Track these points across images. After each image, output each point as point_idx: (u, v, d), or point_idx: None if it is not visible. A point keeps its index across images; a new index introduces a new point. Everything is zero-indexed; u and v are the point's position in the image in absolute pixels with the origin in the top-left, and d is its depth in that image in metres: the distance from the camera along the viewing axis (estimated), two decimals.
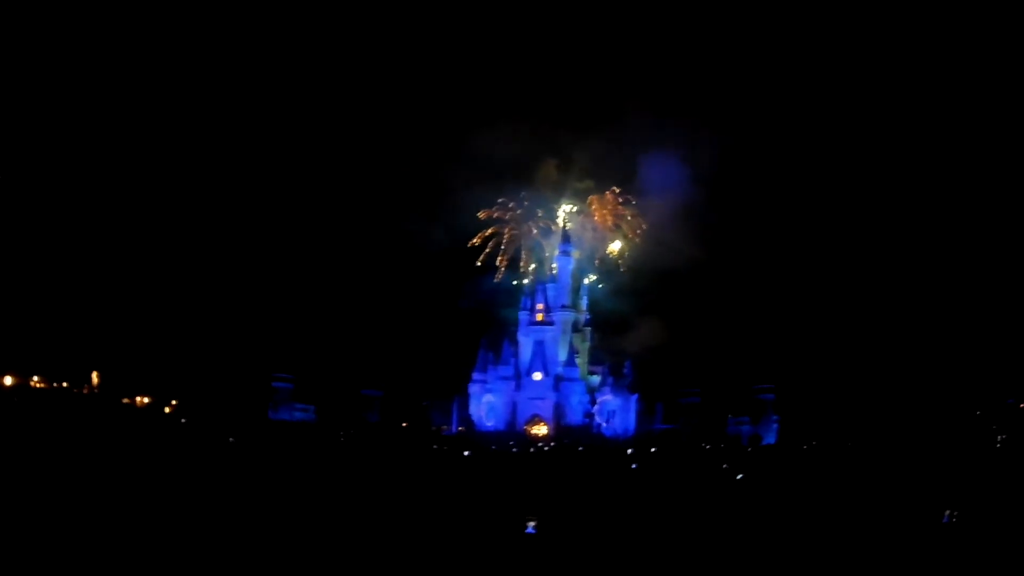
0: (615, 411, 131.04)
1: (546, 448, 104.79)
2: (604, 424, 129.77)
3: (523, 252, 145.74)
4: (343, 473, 54.81)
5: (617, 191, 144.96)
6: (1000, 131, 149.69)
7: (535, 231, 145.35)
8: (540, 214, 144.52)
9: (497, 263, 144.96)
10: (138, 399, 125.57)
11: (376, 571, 23.93)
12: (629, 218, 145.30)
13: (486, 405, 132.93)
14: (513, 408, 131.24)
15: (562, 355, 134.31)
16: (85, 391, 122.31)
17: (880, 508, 36.11)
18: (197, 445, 79.49)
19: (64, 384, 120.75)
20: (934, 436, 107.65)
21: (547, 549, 26.78)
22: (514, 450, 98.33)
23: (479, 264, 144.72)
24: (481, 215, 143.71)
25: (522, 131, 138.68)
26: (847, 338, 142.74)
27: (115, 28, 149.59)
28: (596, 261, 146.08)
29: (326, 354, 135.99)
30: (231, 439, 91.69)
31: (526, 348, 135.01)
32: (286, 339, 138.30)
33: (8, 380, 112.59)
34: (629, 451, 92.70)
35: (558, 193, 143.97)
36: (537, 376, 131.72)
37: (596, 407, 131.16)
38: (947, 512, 31.16)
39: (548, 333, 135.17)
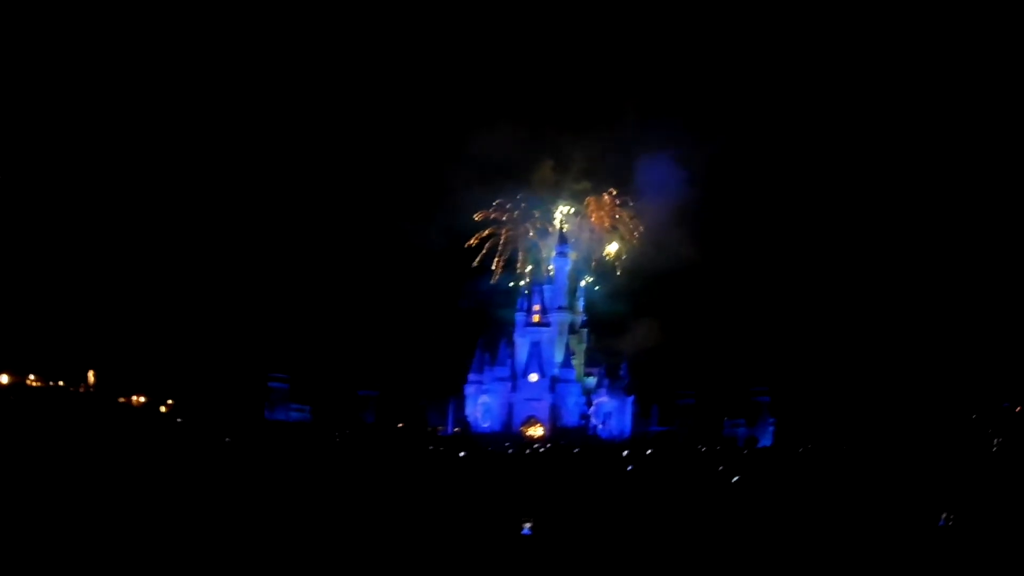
0: (611, 413, 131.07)
1: (542, 449, 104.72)
2: (600, 426, 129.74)
3: (520, 253, 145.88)
4: (339, 473, 54.77)
5: (614, 193, 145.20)
6: (993, 137, 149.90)
7: (532, 232, 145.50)
8: (537, 215, 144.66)
9: (494, 265, 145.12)
10: (134, 398, 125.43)
11: (372, 572, 23.93)
12: (626, 220, 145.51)
13: (482, 406, 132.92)
14: (509, 409, 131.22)
15: (558, 357, 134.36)
16: (81, 390, 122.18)
17: (876, 511, 36.15)
18: (193, 445, 79.35)
19: (60, 383, 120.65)
20: (930, 439, 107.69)
21: (543, 550, 26.78)
22: (510, 451, 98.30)
23: (475, 265, 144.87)
24: (478, 216, 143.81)
25: (519, 132, 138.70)
26: (843, 341, 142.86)
27: (115, 28, 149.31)
28: (593, 263, 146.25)
29: (322, 354, 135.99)
30: (227, 439, 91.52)
31: (522, 349, 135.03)
32: (282, 339, 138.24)
33: (4, 379, 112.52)
34: (625, 453, 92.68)
35: (555, 194, 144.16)
36: (533, 377, 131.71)
37: (592, 409, 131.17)
38: (943, 515, 31.21)
39: (544, 334, 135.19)
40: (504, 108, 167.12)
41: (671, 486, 51.41)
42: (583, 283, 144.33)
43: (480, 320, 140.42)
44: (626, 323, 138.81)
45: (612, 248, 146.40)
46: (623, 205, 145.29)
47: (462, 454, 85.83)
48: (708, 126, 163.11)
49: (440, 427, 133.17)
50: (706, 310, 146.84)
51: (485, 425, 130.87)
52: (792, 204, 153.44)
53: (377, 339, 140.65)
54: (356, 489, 43.81)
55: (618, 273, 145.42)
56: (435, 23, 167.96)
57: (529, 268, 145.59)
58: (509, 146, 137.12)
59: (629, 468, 68.16)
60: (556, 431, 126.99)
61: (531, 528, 28.31)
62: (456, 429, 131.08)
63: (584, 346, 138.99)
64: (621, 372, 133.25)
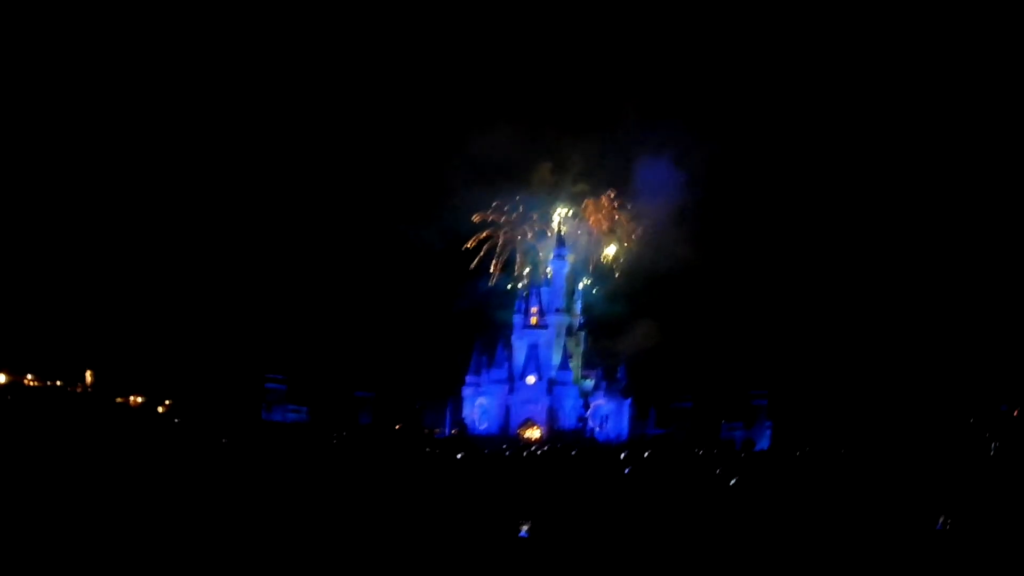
0: (608, 415, 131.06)
1: (539, 452, 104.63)
2: (597, 428, 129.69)
3: (518, 255, 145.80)
4: (336, 475, 54.68)
5: (613, 195, 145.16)
6: (989, 141, 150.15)
7: (530, 234, 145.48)
8: (535, 217, 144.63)
9: (492, 267, 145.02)
10: (132, 398, 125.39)
11: (369, 574, 23.89)
12: (624, 222, 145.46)
13: (479, 408, 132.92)
14: (506, 411, 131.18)
15: (556, 359, 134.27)
16: (79, 390, 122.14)
17: (873, 515, 36.12)
18: (190, 445, 79.22)
19: (58, 383, 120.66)
20: (927, 443, 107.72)
21: (540, 553, 26.74)
22: (507, 453, 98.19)
23: (473, 267, 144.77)
24: (476, 218, 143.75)
25: (518, 134, 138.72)
26: (841, 344, 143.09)
27: (115, 28, 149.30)
28: (591, 265, 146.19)
29: (319, 355, 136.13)
30: (224, 439, 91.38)
31: (520, 351, 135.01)
32: (280, 340, 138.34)
33: (1, 378, 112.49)
34: (622, 455, 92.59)
35: (553, 196, 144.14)
36: (530, 380, 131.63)
37: (589, 411, 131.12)
38: (941, 519, 31.18)
39: (542, 337, 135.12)
40: (503, 110, 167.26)
41: (668, 489, 51.34)
42: (581, 285, 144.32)
43: (477, 322, 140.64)
44: (624, 326, 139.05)
45: (610, 250, 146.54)
46: (621, 207, 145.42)
47: (459, 456, 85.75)
48: (707, 128, 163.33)
49: (437, 429, 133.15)
50: (704, 313, 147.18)
51: (482, 427, 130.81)
52: (790, 207, 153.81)
53: (374, 340, 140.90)
54: (353, 490, 43.72)
55: (616, 275, 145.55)
56: (434, 25, 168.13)
57: (527, 270, 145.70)
58: (508, 148, 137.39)
59: (626, 471, 68.05)
60: (553, 433, 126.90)
61: (528, 531, 28.25)
62: (453, 431, 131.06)
63: (582, 348, 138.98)
64: (619, 375, 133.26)
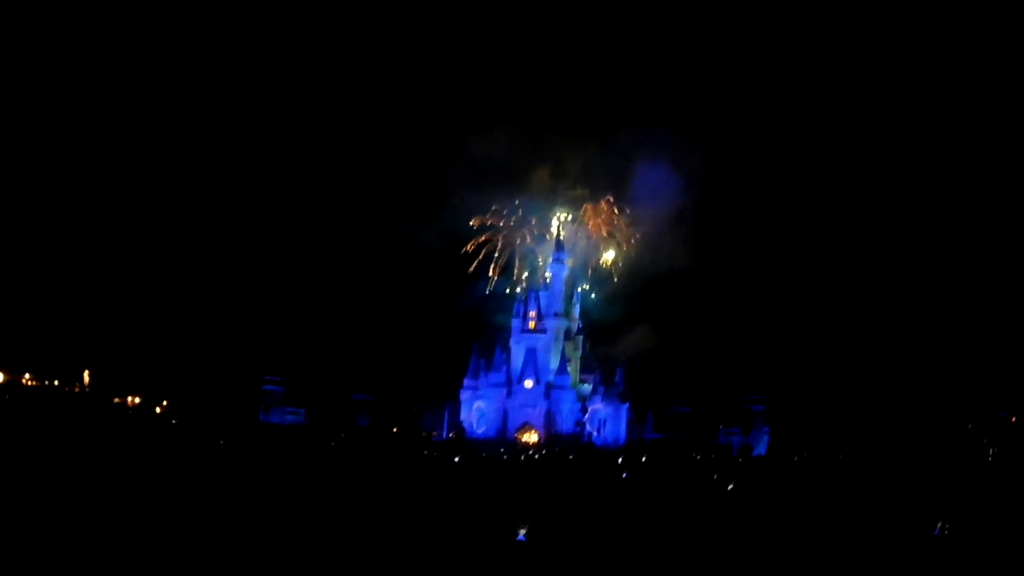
0: (606, 420, 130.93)
1: (536, 456, 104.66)
2: (595, 433, 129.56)
3: (516, 259, 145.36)
4: (334, 477, 54.67)
5: (611, 200, 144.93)
6: (988, 146, 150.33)
7: (529, 238, 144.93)
8: (534, 221, 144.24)
9: (490, 270, 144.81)
10: (129, 399, 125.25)
11: None
12: (623, 227, 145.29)
13: (477, 411, 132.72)
14: (504, 415, 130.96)
15: (554, 363, 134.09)
16: (76, 390, 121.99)
17: (872, 520, 36.12)
18: (188, 446, 79.18)
19: (55, 382, 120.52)
20: (926, 449, 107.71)
21: (538, 557, 26.70)
22: (504, 457, 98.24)
23: (472, 271, 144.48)
24: (474, 222, 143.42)
25: (517, 138, 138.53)
26: (839, 350, 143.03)
27: (114, 28, 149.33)
28: (589, 269, 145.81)
29: (317, 357, 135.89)
30: (222, 441, 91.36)
31: (518, 355, 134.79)
32: (278, 342, 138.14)
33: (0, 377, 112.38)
34: (620, 460, 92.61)
35: (552, 201, 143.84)
36: (528, 383, 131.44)
37: (587, 415, 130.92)
38: (939, 524, 31.20)
39: (540, 341, 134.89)
40: (502, 114, 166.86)
41: (666, 494, 51.34)
42: (579, 290, 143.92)
43: (476, 326, 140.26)
44: (622, 330, 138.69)
45: (608, 255, 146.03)
46: (620, 212, 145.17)
47: (457, 459, 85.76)
48: (705, 133, 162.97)
49: (435, 432, 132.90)
50: (702, 318, 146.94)
51: (480, 431, 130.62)
52: (788, 212, 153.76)
53: (372, 343, 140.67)
54: (351, 493, 43.70)
55: (614, 280, 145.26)
56: (433, 28, 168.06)
57: (525, 274, 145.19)
58: (506, 152, 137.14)
59: (624, 475, 68.09)
60: (551, 437, 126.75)
61: (526, 535, 28.23)
62: (451, 434, 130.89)
63: (580, 353, 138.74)
64: (616, 379, 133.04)
